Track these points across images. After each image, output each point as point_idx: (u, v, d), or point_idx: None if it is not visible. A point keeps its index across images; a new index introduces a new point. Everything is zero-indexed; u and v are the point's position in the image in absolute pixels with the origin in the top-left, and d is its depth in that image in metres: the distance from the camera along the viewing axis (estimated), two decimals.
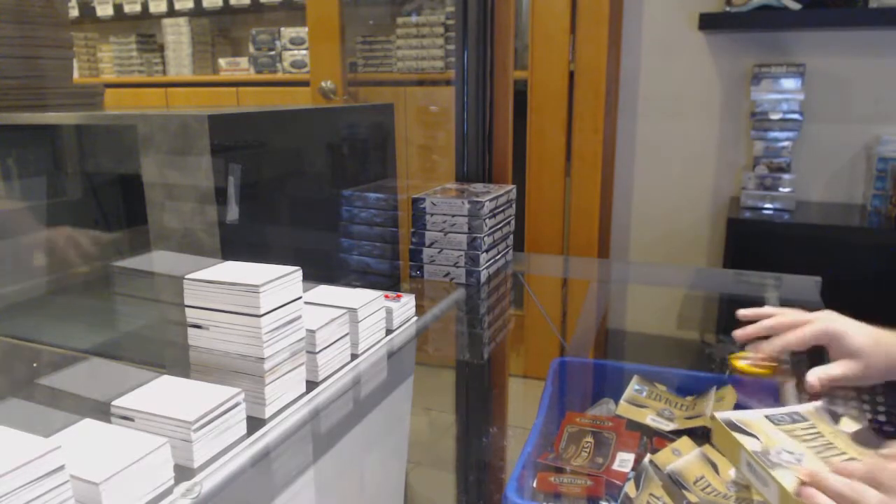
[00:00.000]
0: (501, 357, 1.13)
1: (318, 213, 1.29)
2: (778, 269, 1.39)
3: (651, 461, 0.73)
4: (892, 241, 1.92)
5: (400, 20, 2.75)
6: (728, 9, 2.03)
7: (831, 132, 2.14)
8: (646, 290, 1.51)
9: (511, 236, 1.48)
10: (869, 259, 2.05)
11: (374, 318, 0.93)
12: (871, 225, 1.92)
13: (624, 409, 0.85)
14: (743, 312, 0.92)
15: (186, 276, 0.73)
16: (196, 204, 0.99)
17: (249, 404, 0.71)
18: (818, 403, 0.75)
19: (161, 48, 3.47)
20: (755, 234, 2.01)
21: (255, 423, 0.71)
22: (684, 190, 2.34)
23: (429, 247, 1.31)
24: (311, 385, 0.81)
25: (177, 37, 3.35)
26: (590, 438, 0.79)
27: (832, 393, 0.80)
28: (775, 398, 0.86)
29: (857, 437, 0.69)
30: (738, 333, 0.90)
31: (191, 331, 0.74)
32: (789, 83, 2.03)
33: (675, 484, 0.69)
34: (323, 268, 1.31)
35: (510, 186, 1.46)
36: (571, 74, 2.26)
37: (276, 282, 0.72)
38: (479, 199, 1.28)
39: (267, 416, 0.73)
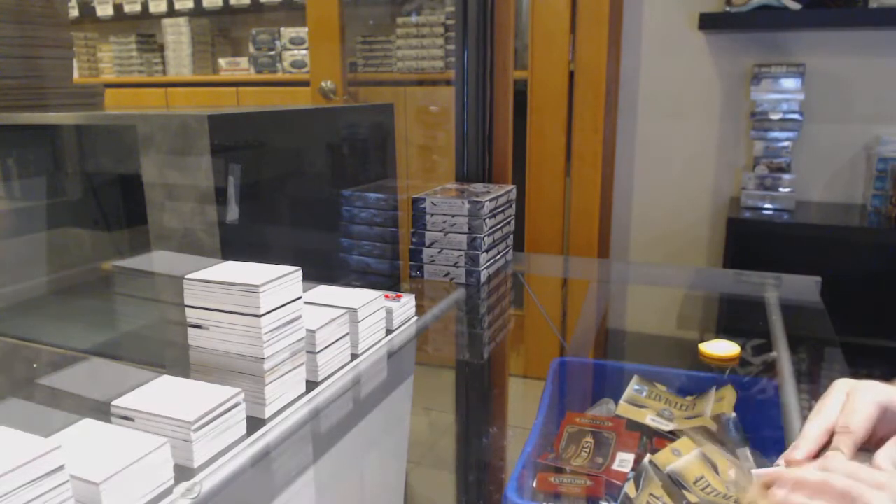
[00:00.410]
0: (501, 357, 1.13)
1: (318, 213, 1.29)
2: (778, 269, 1.39)
3: (651, 461, 0.73)
4: (892, 241, 1.92)
5: (400, 20, 2.75)
6: (728, 9, 2.03)
7: (831, 132, 2.14)
8: (646, 290, 1.51)
9: (511, 236, 1.48)
10: (869, 259, 2.05)
11: (374, 318, 0.93)
12: (871, 225, 1.92)
13: (624, 409, 0.85)
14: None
15: (186, 276, 0.73)
16: (196, 204, 0.99)
17: (249, 404, 0.71)
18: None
19: (161, 48, 3.47)
20: (755, 234, 2.01)
21: (255, 423, 0.71)
22: (684, 190, 2.34)
23: (429, 247, 1.31)
24: (311, 385, 0.81)
25: (177, 37, 3.35)
26: (590, 438, 0.79)
27: None
28: (775, 398, 0.86)
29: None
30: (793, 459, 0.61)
31: (191, 331, 0.74)
32: (789, 83, 2.03)
33: (675, 484, 0.69)
34: (323, 268, 1.31)
35: (510, 186, 1.46)
36: (571, 74, 2.26)
37: (276, 282, 0.72)
38: (479, 199, 1.28)
39: (267, 416, 0.73)
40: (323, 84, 2.64)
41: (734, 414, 0.80)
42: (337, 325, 0.84)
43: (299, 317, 0.76)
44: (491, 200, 1.31)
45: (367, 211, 1.32)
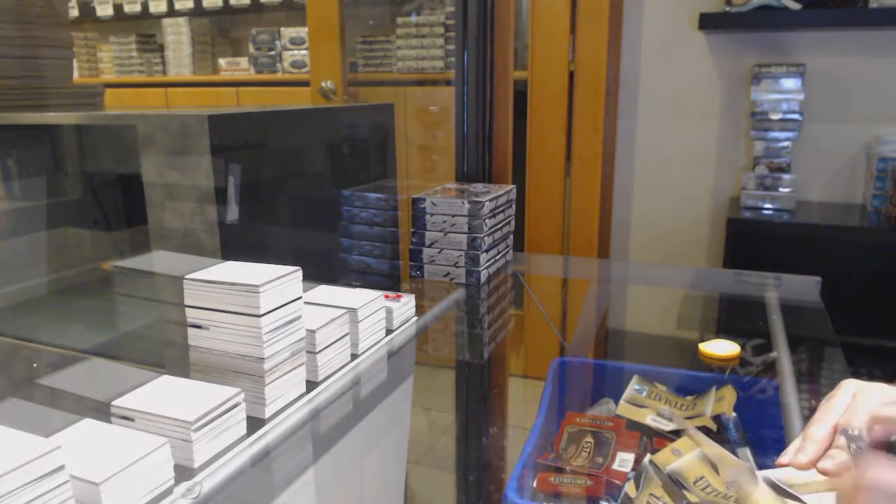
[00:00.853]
0: (501, 357, 1.13)
1: (318, 213, 1.29)
2: (778, 269, 1.39)
3: (651, 461, 0.72)
4: (892, 241, 1.92)
5: (400, 20, 2.75)
6: (728, 9, 2.03)
7: (831, 132, 2.14)
8: (646, 290, 1.51)
9: (511, 236, 1.48)
10: (869, 259, 2.05)
11: (374, 318, 0.93)
12: (871, 225, 1.92)
13: (624, 409, 0.85)
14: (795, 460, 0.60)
15: (186, 276, 0.73)
16: (196, 204, 0.98)
17: (249, 404, 0.71)
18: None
19: (161, 48, 3.47)
20: (755, 234, 2.01)
21: (255, 423, 0.71)
22: (684, 190, 2.34)
23: (429, 247, 1.31)
24: (311, 385, 0.81)
25: (177, 37, 3.35)
26: (590, 438, 0.79)
27: None
28: (775, 398, 0.86)
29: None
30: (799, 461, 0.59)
31: (191, 331, 0.74)
32: (789, 83, 2.03)
33: (675, 484, 0.68)
34: (323, 268, 1.31)
35: (510, 186, 1.46)
36: (571, 74, 2.26)
37: (276, 282, 0.72)
38: (479, 199, 1.28)
39: (267, 416, 0.73)
40: (323, 84, 2.64)
41: (734, 414, 0.80)
42: (337, 325, 0.84)
43: (299, 317, 0.76)
44: (491, 200, 1.31)
45: (367, 211, 1.32)
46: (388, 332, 0.98)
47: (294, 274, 0.74)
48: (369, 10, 2.96)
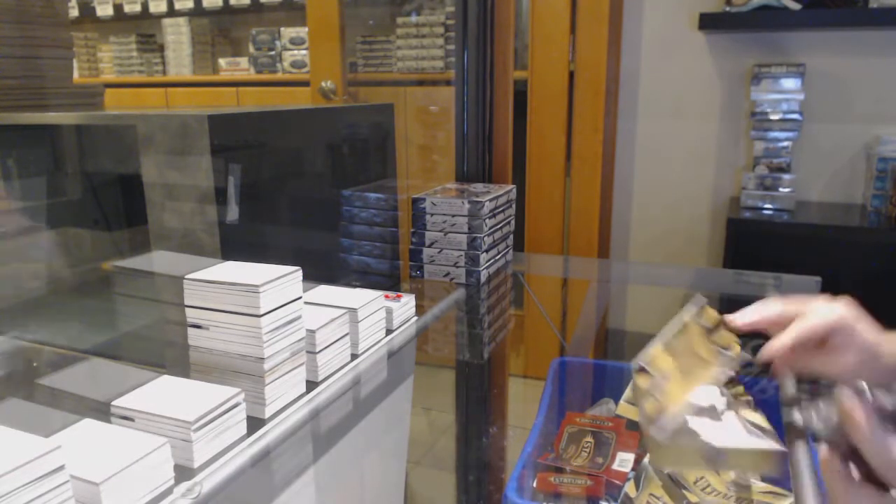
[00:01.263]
0: (501, 357, 1.13)
1: (318, 213, 1.29)
2: (778, 269, 1.39)
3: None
4: (892, 241, 1.92)
5: (400, 20, 2.75)
6: (728, 9, 2.03)
7: (831, 132, 2.14)
8: (646, 290, 1.51)
9: (511, 236, 1.48)
10: (869, 259, 2.05)
11: (374, 318, 0.93)
12: (871, 225, 1.92)
13: (624, 409, 0.85)
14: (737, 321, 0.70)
15: (186, 276, 0.73)
16: (196, 204, 0.98)
17: (249, 404, 0.71)
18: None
19: (161, 48, 3.47)
20: (755, 234, 2.01)
21: (255, 423, 0.71)
22: (684, 190, 2.34)
23: (429, 247, 1.31)
24: (311, 385, 0.81)
25: (177, 37, 3.35)
26: (590, 438, 0.79)
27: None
28: (775, 398, 0.86)
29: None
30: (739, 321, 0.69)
31: (191, 331, 0.74)
32: (789, 83, 2.03)
33: (675, 484, 0.69)
34: (323, 268, 1.31)
35: (510, 186, 1.46)
36: (571, 74, 2.26)
37: (276, 282, 0.72)
38: (479, 199, 1.28)
39: (267, 416, 0.73)
40: (323, 84, 2.64)
41: None
42: (337, 325, 0.84)
43: (299, 317, 0.76)
44: (491, 200, 1.31)
45: (367, 211, 1.32)
46: (388, 332, 0.98)
47: (294, 274, 0.74)
48: (369, 10, 2.96)
